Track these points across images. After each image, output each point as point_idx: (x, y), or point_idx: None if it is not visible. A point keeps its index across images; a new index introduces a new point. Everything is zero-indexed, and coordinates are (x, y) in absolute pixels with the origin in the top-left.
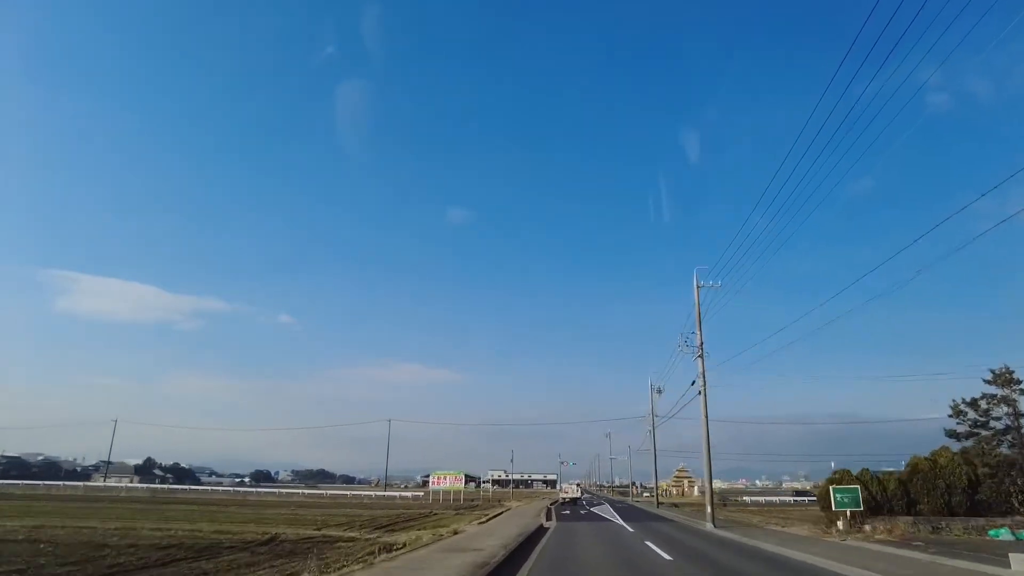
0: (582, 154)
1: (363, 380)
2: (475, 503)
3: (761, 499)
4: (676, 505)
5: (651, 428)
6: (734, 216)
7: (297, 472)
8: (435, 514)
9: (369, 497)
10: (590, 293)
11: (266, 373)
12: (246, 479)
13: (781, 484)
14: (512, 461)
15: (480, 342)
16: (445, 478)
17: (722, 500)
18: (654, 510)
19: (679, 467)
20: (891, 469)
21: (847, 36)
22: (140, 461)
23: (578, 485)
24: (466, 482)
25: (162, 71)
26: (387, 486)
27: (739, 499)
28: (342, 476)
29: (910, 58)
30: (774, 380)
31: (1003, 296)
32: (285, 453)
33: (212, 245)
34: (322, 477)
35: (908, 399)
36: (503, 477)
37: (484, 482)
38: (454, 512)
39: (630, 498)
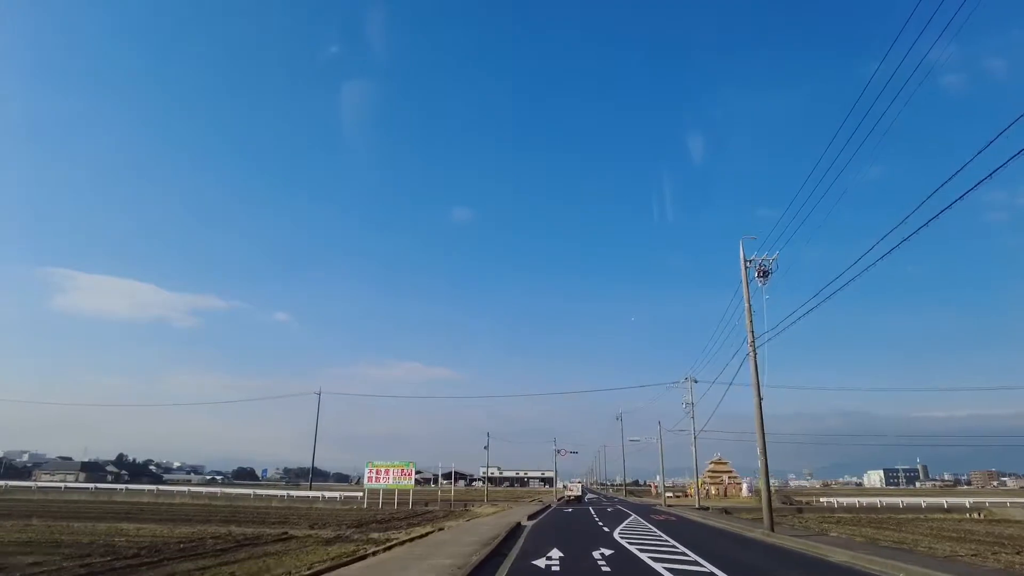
0: (583, 154)
1: (363, 378)
2: (428, 509)
3: (837, 500)
4: (726, 511)
5: (748, 343)
6: (734, 216)
7: (288, 470)
8: (285, 540)
9: (282, 499)
10: (591, 293)
11: (264, 371)
12: (218, 477)
13: (788, 483)
14: (487, 448)
15: (479, 341)
16: (388, 472)
17: (789, 503)
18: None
19: (715, 457)
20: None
21: (839, 33)
22: (112, 457)
23: (580, 483)
24: (455, 480)
25: (163, 70)
26: (312, 484)
27: (815, 501)
28: (335, 474)
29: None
30: (776, 376)
31: (1007, 296)
32: (285, 453)
33: (210, 243)
34: (313, 475)
35: (916, 398)
36: (496, 475)
37: (475, 480)
38: (327, 536)
39: (662, 502)
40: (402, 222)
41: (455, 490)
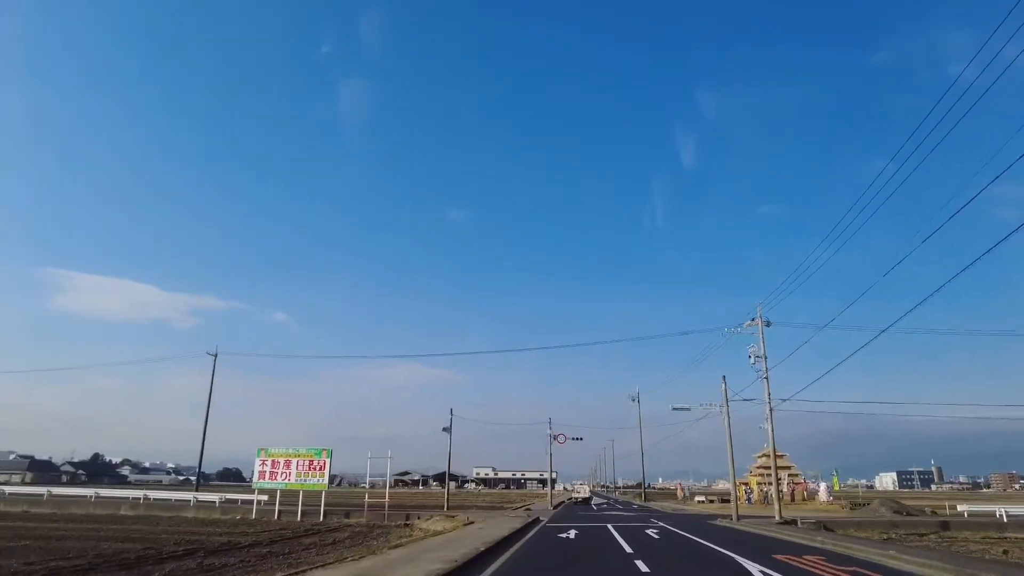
0: (582, 155)
1: (362, 379)
2: (346, 523)
3: (970, 507)
4: (824, 527)
5: None
6: (735, 216)
7: None
8: None
9: (136, 503)
10: (590, 293)
11: (264, 371)
12: (192, 478)
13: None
14: (448, 429)
15: (478, 342)
16: (288, 465)
17: (906, 513)
18: None
19: (766, 448)
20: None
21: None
22: (87, 458)
23: (586, 485)
24: (447, 482)
25: (161, 70)
26: (199, 484)
27: (942, 509)
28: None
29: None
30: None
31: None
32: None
33: (209, 244)
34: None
35: (921, 400)
36: (491, 475)
37: (468, 481)
38: None
39: (731, 514)
40: (402, 223)
41: (426, 493)
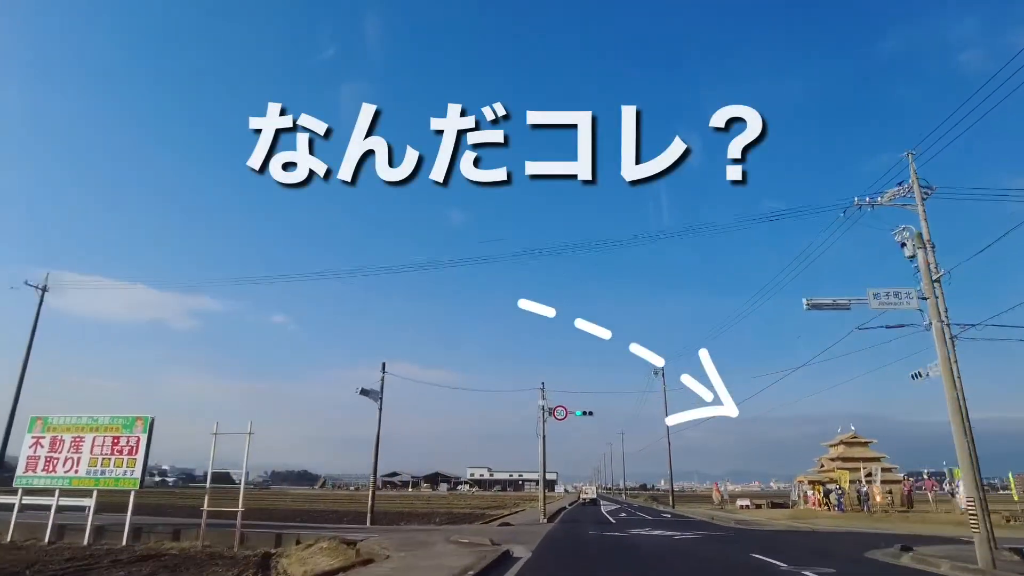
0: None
1: (363, 380)
2: (154, 553)
3: None
4: None
5: None
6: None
7: (276, 473)
8: None
9: None
10: (585, 295)
11: (264, 374)
12: (170, 480)
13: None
14: (371, 392)
15: (476, 343)
16: (78, 446)
17: None
18: None
19: (848, 431)
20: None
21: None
22: None
23: (594, 487)
24: (437, 483)
25: (160, 71)
26: None
27: None
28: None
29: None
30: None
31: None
32: (287, 454)
33: (207, 244)
34: (303, 478)
35: (921, 401)
36: (486, 476)
37: (460, 483)
38: None
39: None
40: (402, 223)
41: (414, 496)
